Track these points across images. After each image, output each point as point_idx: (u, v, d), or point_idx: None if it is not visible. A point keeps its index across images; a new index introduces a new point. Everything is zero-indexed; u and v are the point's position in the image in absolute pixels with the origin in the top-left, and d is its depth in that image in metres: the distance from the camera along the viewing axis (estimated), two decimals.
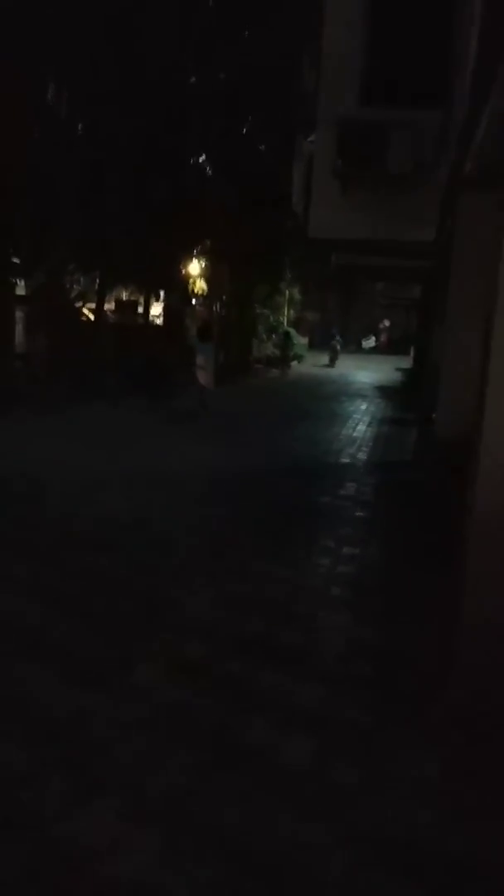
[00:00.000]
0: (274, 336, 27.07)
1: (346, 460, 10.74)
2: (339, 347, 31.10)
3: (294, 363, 27.89)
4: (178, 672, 4.19)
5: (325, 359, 29.94)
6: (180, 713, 3.81)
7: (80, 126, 15.89)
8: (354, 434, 13.10)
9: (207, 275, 22.39)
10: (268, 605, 5.21)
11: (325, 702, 4.00)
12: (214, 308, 22.89)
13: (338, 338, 31.78)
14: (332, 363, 29.83)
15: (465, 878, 2.83)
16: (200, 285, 23.36)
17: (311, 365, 28.73)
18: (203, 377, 15.00)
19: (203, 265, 22.47)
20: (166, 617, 4.92)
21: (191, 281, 22.37)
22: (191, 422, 13.23)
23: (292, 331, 28.75)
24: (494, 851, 2.96)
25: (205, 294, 23.18)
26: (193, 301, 23.52)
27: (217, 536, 6.70)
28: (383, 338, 41.16)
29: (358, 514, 7.85)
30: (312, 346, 34.54)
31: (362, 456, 11.15)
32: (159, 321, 24.06)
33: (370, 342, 40.48)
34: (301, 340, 30.88)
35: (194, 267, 22.25)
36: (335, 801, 3.22)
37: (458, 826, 3.08)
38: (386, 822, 3.10)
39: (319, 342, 34.78)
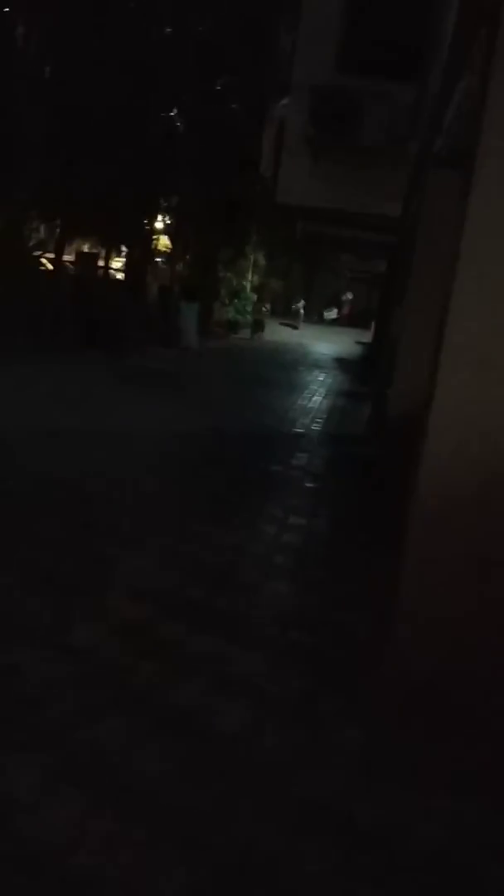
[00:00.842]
0: (236, 301, 26.85)
1: (300, 430, 10.81)
2: (302, 312, 32.70)
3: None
4: (116, 633, 4.18)
5: (284, 330, 29.97)
6: (111, 674, 3.80)
7: (48, 69, 15.39)
8: (310, 405, 13.16)
9: (172, 232, 22.08)
10: (210, 571, 5.23)
11: (263, 671, 4.03)
12: (178, 267, 22.62)
13: (302, 302, 32.86)
14: (296, 326, 31.37)
15: (367, 841, 2.91)
16: (164, 242, 23.10)
17: (271, 332, 28.60)
18: (185, 338, 15.21)
19: (168, 222, 22.16)
20: (105, 578, 4.89)
21: (155, 237, 22.02)
22: (149, 380, 13.14)
23: (252, 295, 28.57)
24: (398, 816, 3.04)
25: (168, 252, 22.92)
26: (157, 259, 23.23)
27: (163, 500, 6.67)
28: (345, 310, 41.07)
29: (308, 485, 7.91)
30: (274, 313, 34.34)
31: (316, 427, 11.22)
32: (120, 276, 23.69)
33: (332, 314, 40.35)
34: (265, 307, 30.84)
35: (159, 223, 21.92)
36: (262, 766, 3.26)
37: (368, 792, 3.16)
38: (305, 785, 3.15)
39: (283, 310, 34.67)
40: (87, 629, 4.19)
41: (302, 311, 33.06)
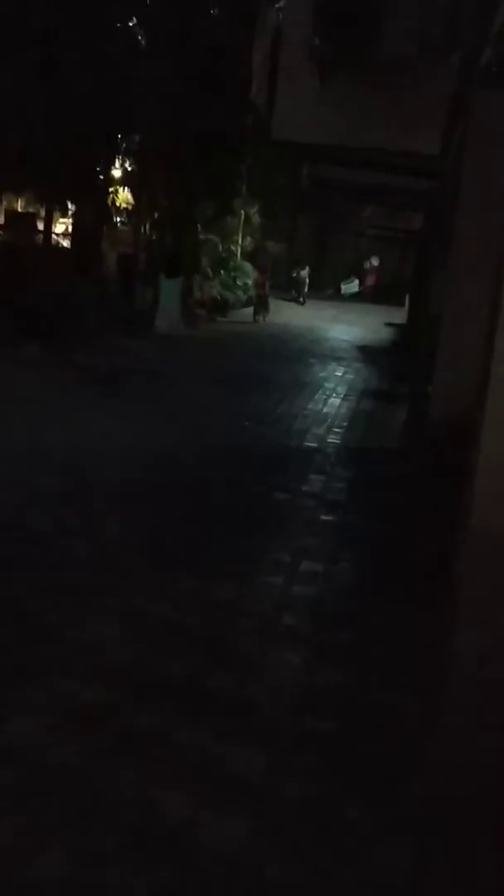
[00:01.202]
0: (223, 272, 26.88)
1: (312, 444, 10.88)
2: (306, 281, 32.86)
3: (247, 310, 27.75)
4: (70, 725, 4.16)
5: (288, 309, 29.96)
6: (68, 782, 3.77)
7: None
8: (325, 410, 13.24)
9: (135, 182, 22.01)
10: (196, 638, 5.21)
11: (266, 773, 4.01)
12: (143, 229, 22.60)
13: (306, 270, 33.03)
14: (300, 299, 32.07)
15: None
16: (125, 197, 22.97)
17: (272, 311, 28.57)
18: (162, 324, 15.38)
19: (130, 169, 22.02)
20: (59, 650, 4.88)
21: (112, 190, 21.97)
22: (110, 384, 13.16)
23: (244, 264, 28.61)
24: None
25: (130, 209, 22.77)
26: (116, 219, 22.97)
27: (131, 544, 6.67)
28: (370, 281, 41.16)
29: (323, 517, 7.94)
30: (275, 287, 34.14)
31: (334, 440, 11.27)
32: (66, 243, 23.71)
33: (352, 286, 40.38)
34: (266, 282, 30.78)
35: (117, 171, 21.87)
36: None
37: None
38: None
39: (285, 283, 34.68)
40: (27, 723, 4.16)
41: (306, 279, 33.10)
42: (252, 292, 27.44)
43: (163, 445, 9.73)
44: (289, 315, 28.60)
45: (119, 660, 4.87)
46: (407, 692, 4.75)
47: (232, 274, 27.37)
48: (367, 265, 41.32)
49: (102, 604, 5.55)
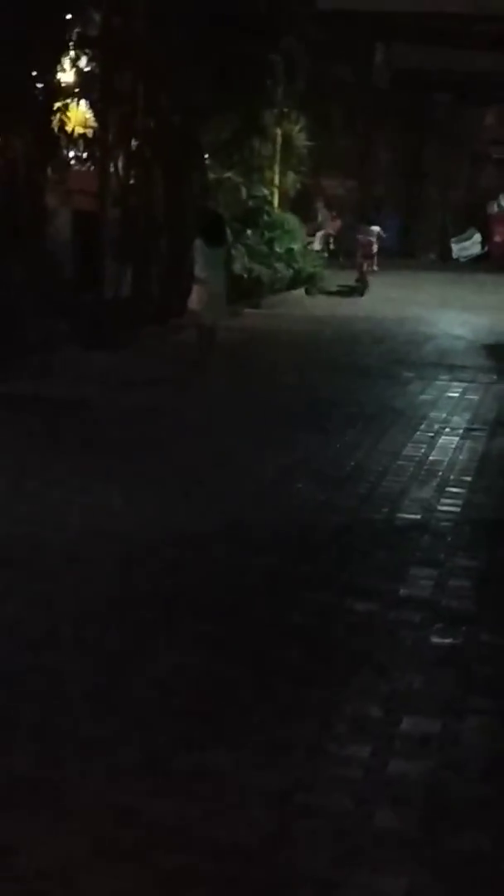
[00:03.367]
0: (249, 234, 20.18)
1: (412, 517, 8.56)
2: (374, 242, 23.43)
3: (296, 293, 21.94)
4: None
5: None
6: None
7: None
8: (432, 456, 10.48)
9: (97, 92, 16.49)
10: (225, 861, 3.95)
11: None
12: (113, 169, 17.12)
13: (379, 227, 23.80)
14: (359, 287, 23.38)
15: None
16: (80, 116, 17.26)
17: (338, 295, 23.44)
18: (205, 303, 13.12)
19: (87, 70, 16.61)
20: None
21: (59, 106, 16.10)
22: (77, 429, 10.68)
23: (286, 218, 22.00)
24: None
25: (91, 136, 16.90)
26: (69, 155, 17.40)
27: (123, 704, 5.13)
28: (499, 234, 32.04)
29: (437, 641, 6.14)
30: (338, 253, 26.40)
31: (450, 508, 8.86)
32: None
33: (470, 245, 31.94)
34: (310, 241, 23.97)
35: (67, 73, 16.44)
36: None
37: None
38: None
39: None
40: None
41: (376, 239, 23.36)
42: (302, 263, 21.18)
43: (167, 531, 7.76)
44: (365, 298, 23.19)
45: None
46: None
47: (266, 235, 20.95)
48: (494, 208, 31.79)
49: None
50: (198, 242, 13.46)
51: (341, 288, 22.86)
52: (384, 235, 24.04)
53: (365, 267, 21.21)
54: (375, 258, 22.33)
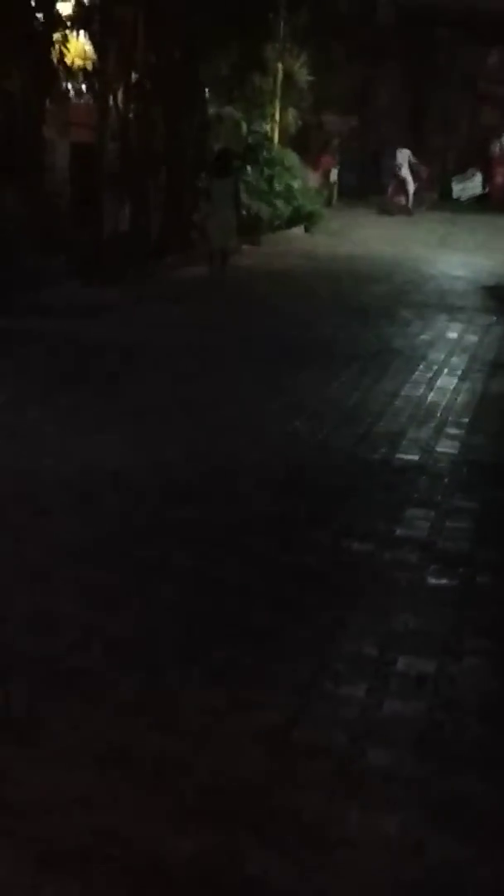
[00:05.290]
0: (249, 170, 20.48)
1: (409, 458, 8.57)
2: (405, 176, 25.47)
3: (295, 231, 22.46)
4: None
5: (361, 228, 24.24)
6: None
7: None
8: (431, 398, 10.52)
9: (96, 23, 16.77)
10: (221, 796, 4.09)
11: None
12: (113, 102, 17.35)
13: (401, 160, 25.64)
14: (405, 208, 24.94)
15: None
16: (80, 48, 17.34)
17: (336, 235, 23.61)
18: (215, 228, 14.07)
19: (86, 1, 16.83)
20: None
21: (58, 38, 16.52)
22: (77, 368, 10.78)
23: (286, 154, 22.44)
24: None
25: (90, 68, 17.30)
26: (67, 87, 17.37)
27: (119, 638, 5.28)
28: (500, 175, 32.69)
29: (434, 581, 6.23)
30: (343, 193, 27.82)
31: (447, 450, 8.86)
32: None
33: (471, 185, 32.44)
34: (310, 178, 24.41)
35: (66, 5, 16.74)
36: None
37: None
38: None
39: (358, 184, 28.47)
40: None
41: (405, 172, 25.40)
42: (301, 201, 21.81)
43: (162, 469, 7.81)
44: (366, 236, 23.40)
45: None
46: None
47: (266, 172, 21.03)
48: (496, 148, 32.51)
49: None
50: (208, 177, 14.44)
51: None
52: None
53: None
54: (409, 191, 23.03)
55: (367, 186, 27.45)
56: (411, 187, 26.57)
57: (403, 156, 25.87)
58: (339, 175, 27.88)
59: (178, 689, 4.83)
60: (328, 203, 25.93)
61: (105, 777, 4.21)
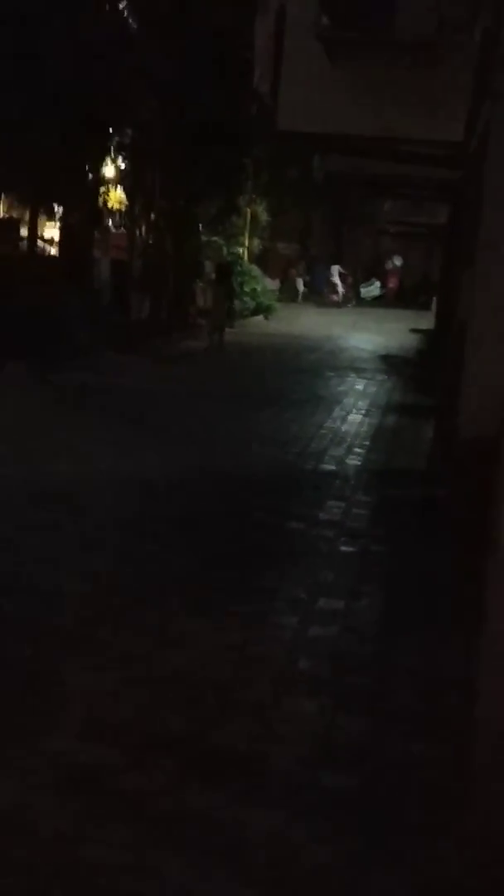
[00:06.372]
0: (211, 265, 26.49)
1: (329, 467, 10.96)
2: (301, 287, 36.52)
3: (257, 318, 28.17)
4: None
5: (305, 316, 30.77)
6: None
7: None
8: (344, 427, 13.34)
9: (128, 181, 22.29)
10: (198, 687, 5.22)
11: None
12: (138, 233, 22.83)
13: (301, 280, 36.41)
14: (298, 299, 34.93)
15: None
16: (117, 197, 23.36)
17: (284, 322, 28.97)
18: (220, 320, 20.75)
19: (122, 167, 22.37)
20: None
21: (103, 190, 22.21)
22: (104, 405, 13.27)
23: (252, 268, 29.16)
24: None
25: (124, 210, 23.21)
26: (108, 222, 23.46)
27: (131, 583, 6.72)
28: (391, 283, 41.46)
29: (343, 548, 7.98)
30: (286, 291, 35.94)
31: (354, 461, 11.35)
32: (53, 251, 23.86)
33: (373, 289, 40.67)
34: (268, 284, 31.17)
35: (109, 168, 22.13)
36: None
37: None
38: None
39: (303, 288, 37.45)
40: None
41: (302, 285, 36.90)
42: (262, 299, 28.85)
43: (160, 473, 9.77)
44: (303, 323, 28.96)
45: (111, 716, 4.85)
46: (434, 741, 4.73)
47: (238, 279, 27.41)
48: (389, 265, 41.65)
49: (92, 646, 5.60)
50: (209, 281, 20.46)
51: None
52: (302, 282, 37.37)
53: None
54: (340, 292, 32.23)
55: (309, 289, 37.19)
56: (341, 290, 36.66)
57: (334, 270, 36.62)
58: (302, 282, 37.76)
59: (161, 620, 6.02)
60: (294, 300, 35.14)
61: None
